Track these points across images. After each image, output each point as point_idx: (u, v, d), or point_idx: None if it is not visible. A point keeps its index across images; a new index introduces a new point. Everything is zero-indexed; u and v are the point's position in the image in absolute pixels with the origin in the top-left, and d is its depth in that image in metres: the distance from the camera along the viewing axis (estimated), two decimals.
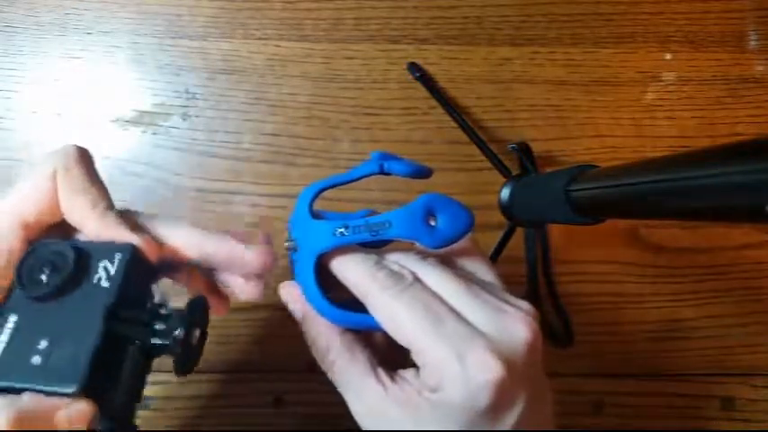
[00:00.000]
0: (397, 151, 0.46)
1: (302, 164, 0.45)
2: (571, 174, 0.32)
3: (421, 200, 0.27)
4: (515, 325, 0.26)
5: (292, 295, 0.30)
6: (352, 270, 0.27)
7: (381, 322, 0.26)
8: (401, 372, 0.27)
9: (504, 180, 0.41)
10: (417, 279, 0.27)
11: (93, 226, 0.25)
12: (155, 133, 0.46)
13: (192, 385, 0.42)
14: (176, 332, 0.24)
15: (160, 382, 0.42)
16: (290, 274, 0.30)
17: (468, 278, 0.28)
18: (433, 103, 0.46)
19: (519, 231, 0.43)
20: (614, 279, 0.45)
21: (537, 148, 0.45)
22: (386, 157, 0.30)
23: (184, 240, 0.27)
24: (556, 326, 0.44)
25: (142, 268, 0.25)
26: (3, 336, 0.23)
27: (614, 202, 0.29)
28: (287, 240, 0.29)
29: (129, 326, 0.24)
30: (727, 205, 0.22)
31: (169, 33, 0.47)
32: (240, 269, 0.28)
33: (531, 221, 0.40)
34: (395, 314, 0.26)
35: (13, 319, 0.24)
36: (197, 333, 0.26)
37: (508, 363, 0.24)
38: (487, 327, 0.25)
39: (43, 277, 0.24)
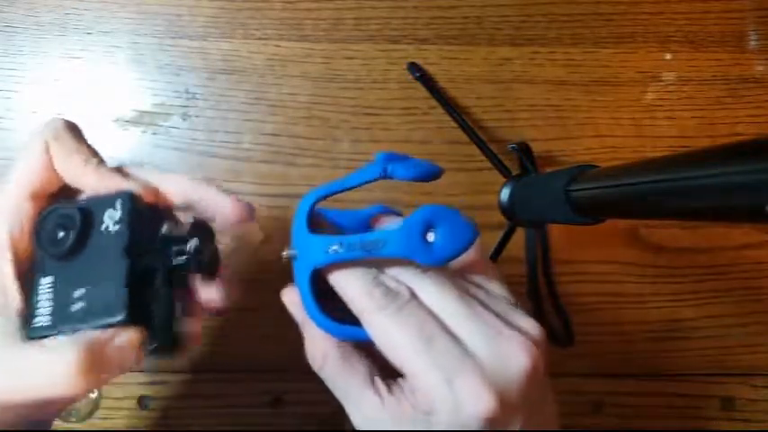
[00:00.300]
0: (396, 151, 0.46)
1: (302, 164, 0.45)
2: (571, 174, 0.32)
3: (417, 214, 0.26)
4: (514, 351, 0.25)
5: (292, 301, 0.30)
6: (348, 285, 0.27)
7: (375, 341, 0.26)
8: (401, 381, 0.27)
9: (504, 180, 0.41)
10: (414, 296, 0.26)
11: (90, 181, 0.27)
12: (155, 133, 0.46)
13: (191, 385, 0.42)
14: (193, 249, 0.27)
15: (160, 382, 0.42)
16: (290, 279, 0.30)
17: (471, 294, 0.27)
18: (433, 103, 0.46)
19: (519, 231, 0.43)
20: (614, 279, 0.45)
21: (537, 148, 0.45)
22: (391, 158, 0.29)
23: (171, 186, 0.28)
24: (556, 326, 0.44)
25: (142, 210, 0.28)
26: (42, 295, 0.27)
27: (614, 202, 0.29)
28: (287, 248, 0.29)
29: (150, 256, 0.28)
30: (727, 205, 0.22)
31: (169, 33, 0.47)
32: (217, 215, 0.29)
33: (531, 221, 0.40)
34: (389, 335, 0.25)
35: (48, 280, 0.27)
36: (209, 245, 0.29)
37: (502, 392, 0.24)
38: (484, 351, 0.25)
39: (59, 239, 0.27)
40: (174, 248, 0.28)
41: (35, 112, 0.45)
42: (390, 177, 0.28)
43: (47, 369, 0.24)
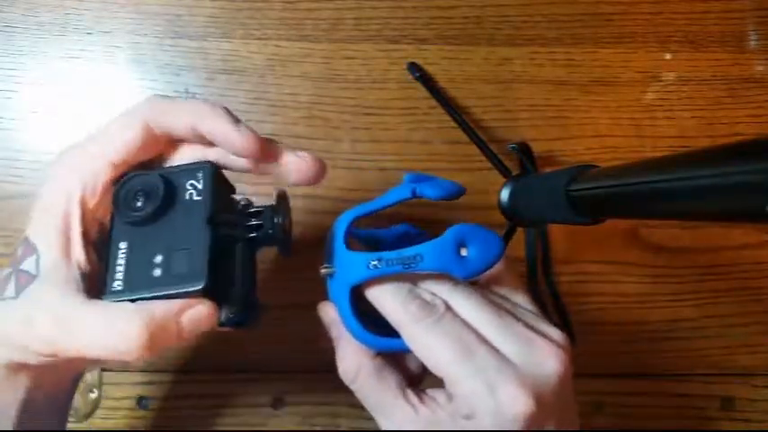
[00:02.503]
0: (397, 151, 0.46)
1: None
2: (571, 174, 0.32)
3: (451, 232, 0.28)
4: (546, 357, 0.26)
5: (329, 316, 0.31)
6: (386, 299, 0.28)
7: (415, 352, 0.27)
8: (430, 392, 0.28)
9: (504, 180, 0.41)
10: (449, 308, 0.28)
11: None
12: None
13: (191, 385, 0.42)
14: (275, 221, 0.28)
15: (160, 382, 0.42)
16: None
17: (500, 305, 0.29)
18: (433, 103, 0.46)
19: (519, 231, 0.43)
20: (614, 279, 0.45)
21: (537, 148, 0.45)
22: (418, 178, 0.31)
23: (183, 113, 0.28)
24: (556, 326, 0.44)
25: (222, 178, 0.29)
26: (120, 260, 0.26)
27: (614, 202, 0.29)
28: (323, 267, 0.30)
29: (231, 227, 0.28)
30: (727, 205, 0.22)
31: (169, 33, 0.47)
32: (229, 151, 0.28)
33: (531, 221, 0.40)
34: (428, 346, 0.27)
35: (123, 245, 0.27)
36: (288, 220, 0.29)
37: (538, 396, 0.25)
38: (519, 358, 0.26)
39: (139, 205, 0.27)
40: (257, 222, 0.28)
41: (35, 112, 0.45)
42: (420, 197, 0.30)
43: (112, 335, 0.25)
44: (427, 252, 0.27)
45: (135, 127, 0.28)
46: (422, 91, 0.47)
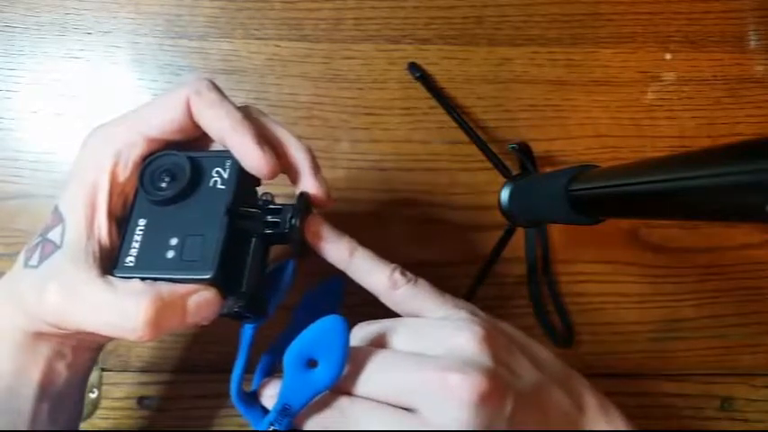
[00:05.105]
0: (397, 151, 0.46)
1: None
2: (571, 174, 0.32)
3: (287, 358, 0.26)
4: (453, 395, 0.25)
5: None
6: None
7: None
8: None
9: (504, 180, 0.41)
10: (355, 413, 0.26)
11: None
12: None
13: (192, 385, 0.42)
14: (292, 221, 0.28)
15: (160, 382, 0.42)
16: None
17: (398, 353, 0.27)
18: (433, 103, 0.46)
19: (519, 231, 0.43)
20: (614, 279, 0.45)
21: (537, 148, 0.45)
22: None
23: (218, 118, 0.28)
24: (556, 326, 0.44)
25: (248, 172, 0.28)
26: (137, 236, 0.27)
27: (614, 202, 0.29)
28: None
29: (248, 220, 0.28)
30: (727, 205, 0.22)
31: (169, 33, 0.47)
32: (246, 165, 0.28)
33: (531, 221, 0.40)
34: None
35: (142, 222, 0.27)
36: (306, 223, 0.29)
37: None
38: (431, 414, 0.25)
39: (164, 185, 0.27)
40: (274, 219, 0.28)
41: (35, 112, 0.45)
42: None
43: (117, 311, 0.25)
44: (286, 396, 0.26)
45: (177, 108, 0.27)
46: (422, 91, 0.47)
